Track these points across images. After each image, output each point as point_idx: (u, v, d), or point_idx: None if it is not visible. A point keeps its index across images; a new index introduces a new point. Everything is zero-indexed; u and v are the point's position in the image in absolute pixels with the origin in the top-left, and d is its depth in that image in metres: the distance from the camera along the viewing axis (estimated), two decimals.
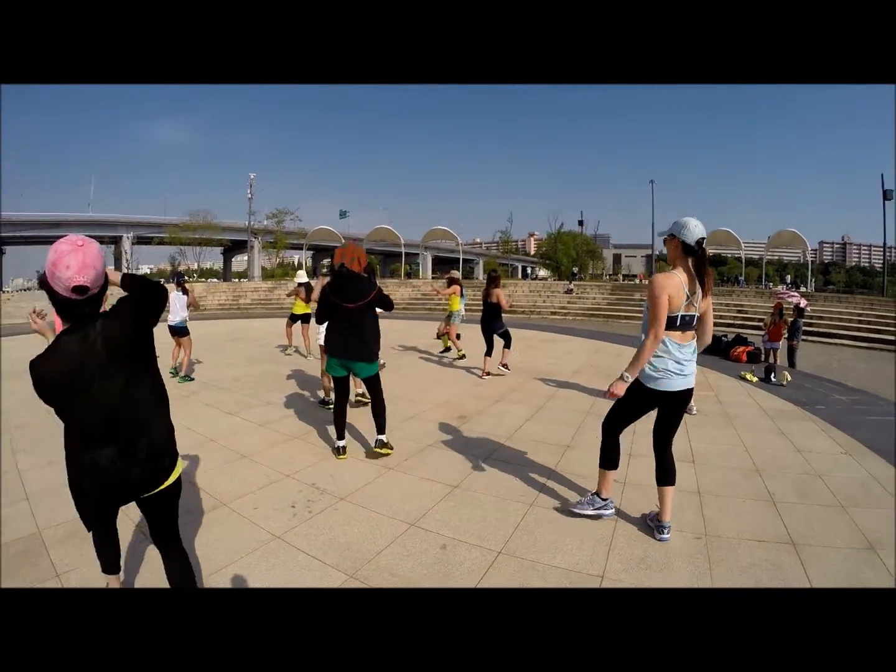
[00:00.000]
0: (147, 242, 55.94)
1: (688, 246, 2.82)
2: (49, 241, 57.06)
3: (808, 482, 3.93)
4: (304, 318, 10.13)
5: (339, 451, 4.38)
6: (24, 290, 53.13)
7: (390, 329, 13.17)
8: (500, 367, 8.00)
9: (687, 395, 3.01)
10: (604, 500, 3.26)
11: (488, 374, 7.90)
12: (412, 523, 3.19)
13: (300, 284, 10.15)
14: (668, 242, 2.95)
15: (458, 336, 9.70)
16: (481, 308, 8.16)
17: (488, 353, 7.93)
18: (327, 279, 4.53)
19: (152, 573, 2.64)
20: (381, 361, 7.02)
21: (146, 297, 1.97)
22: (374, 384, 4.36)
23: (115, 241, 54.74)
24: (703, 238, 2.82)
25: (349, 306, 4.15)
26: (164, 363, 8.19)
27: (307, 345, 9.97)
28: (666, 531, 3.04)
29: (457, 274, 11.04)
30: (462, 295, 9.97)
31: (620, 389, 2.90)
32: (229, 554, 2.85)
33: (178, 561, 2.19)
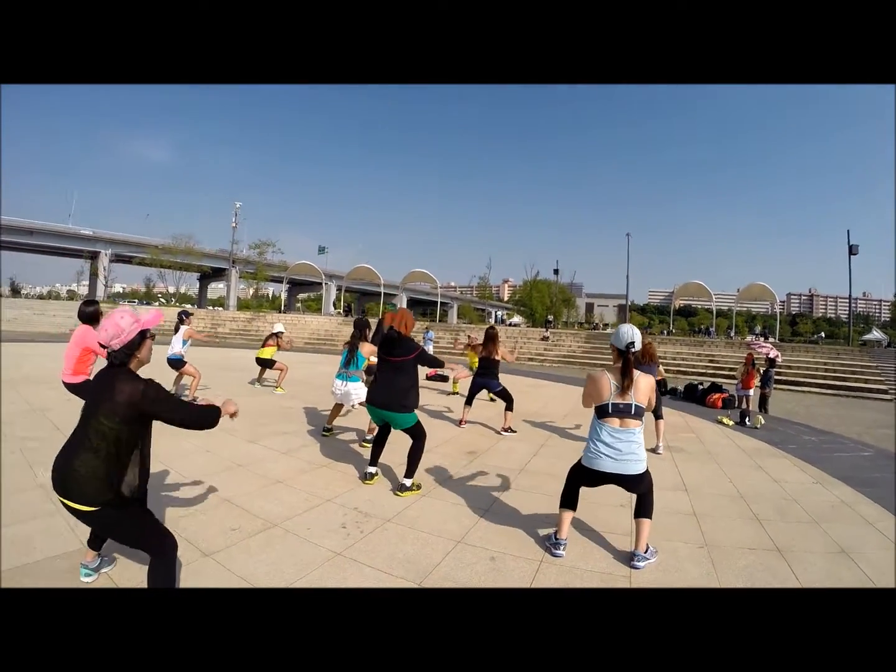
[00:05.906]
0: (127, 262, 55.59)
1: (618, 349, 3.47)
2: (20, 247, 54.11)
3: (785, 505, 4.58)
4: (269, 364, 10.48)
5: (367, 477, 4.74)
6: None
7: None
8: (504, 432, 7.34)
9: (627, 478, 3.30)
10: (557, 539, 3.52)
11: (466, 422, 7.75)
12: (458, 540, 3.64)
13: (274, 334, 10.71)
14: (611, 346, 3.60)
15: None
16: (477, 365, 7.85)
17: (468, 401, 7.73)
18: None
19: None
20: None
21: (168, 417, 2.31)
22: (412, 433, 4.67)
23: (93, 256, 54.40)
24: (632, 342, 3.38)
25: (393, 360, 4.63)
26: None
27: (281, 379, 10.31)
28: (637, 559, 3.35)
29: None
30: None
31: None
32: (298, 567, 3.07)
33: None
